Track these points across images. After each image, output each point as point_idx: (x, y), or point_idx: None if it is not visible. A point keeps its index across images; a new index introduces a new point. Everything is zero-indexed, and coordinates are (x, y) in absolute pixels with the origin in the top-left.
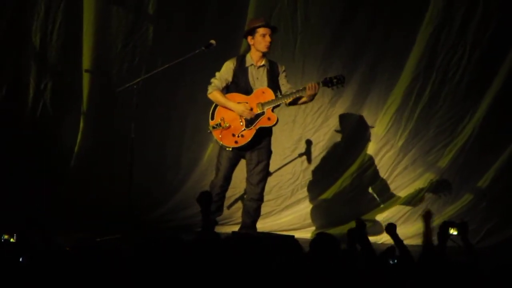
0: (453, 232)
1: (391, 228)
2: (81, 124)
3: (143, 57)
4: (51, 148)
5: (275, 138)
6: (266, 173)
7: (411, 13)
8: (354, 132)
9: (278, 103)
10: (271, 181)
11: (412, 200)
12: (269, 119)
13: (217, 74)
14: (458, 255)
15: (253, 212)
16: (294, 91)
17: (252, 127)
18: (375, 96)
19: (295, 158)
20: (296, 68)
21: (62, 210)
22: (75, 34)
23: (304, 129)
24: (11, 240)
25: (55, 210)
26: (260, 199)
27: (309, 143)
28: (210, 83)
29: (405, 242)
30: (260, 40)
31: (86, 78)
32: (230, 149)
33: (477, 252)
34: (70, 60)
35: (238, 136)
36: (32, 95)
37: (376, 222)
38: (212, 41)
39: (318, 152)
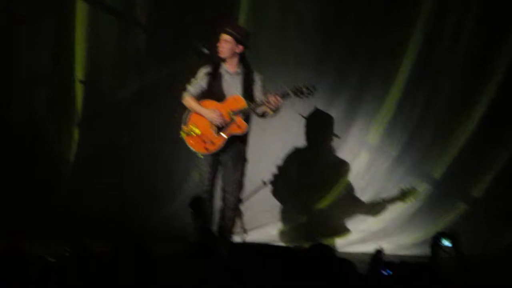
0: (446, 242)
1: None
2: (76, 135)
3: (135, 65)
4: (41, 157)
5: (268, 147)
6: (241, 182)
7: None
8: (347, 140)
9: (249, 111)
10: (267, 192)
11: (406, 210)
12: (239, 127)
13: (192, 80)
14: (451, 266)
15: (228, 221)
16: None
17: (222, 134)
18: (368, 104)
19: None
20: (289, 75)
21: (54, 219)
22: (67, 43)
23: (298, 138)
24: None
25: (48, 219)
26: (236, 208)
27: (303, 151)
28: (185, 89)
29: (402, 253)
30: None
31: (78, 88)
32: (201, 156)
33: (470, 262)
34: (62, 69)
35: (209, 143)
36: (25, 104)
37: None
38: (205, 50)
39: (312, 160)
